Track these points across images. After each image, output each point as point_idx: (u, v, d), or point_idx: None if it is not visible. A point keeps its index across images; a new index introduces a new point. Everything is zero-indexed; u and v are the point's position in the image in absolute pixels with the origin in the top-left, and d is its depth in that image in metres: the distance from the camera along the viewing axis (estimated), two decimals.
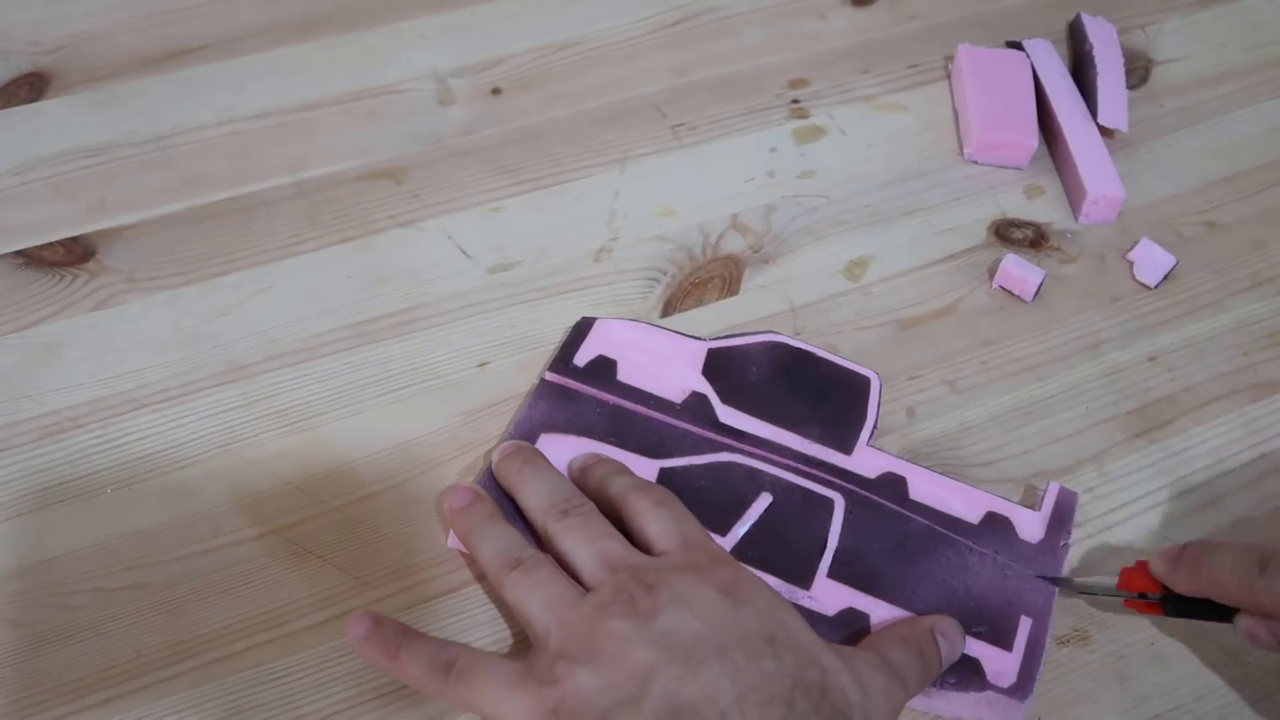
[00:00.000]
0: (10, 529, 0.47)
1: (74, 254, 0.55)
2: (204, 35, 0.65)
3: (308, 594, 0.46)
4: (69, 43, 0.64)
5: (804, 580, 0.46)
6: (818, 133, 0.63)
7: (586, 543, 0.43)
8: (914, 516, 0.48)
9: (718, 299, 0.56)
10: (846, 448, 0.50)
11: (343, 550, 0.47)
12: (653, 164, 0.61)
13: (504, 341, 0.54)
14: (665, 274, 0.57)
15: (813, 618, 0.45)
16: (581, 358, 0.51)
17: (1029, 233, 0.60)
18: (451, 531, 0.47)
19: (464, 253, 0.57)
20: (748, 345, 0.52)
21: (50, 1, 0.66)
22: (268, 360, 0.52)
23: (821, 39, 0.68)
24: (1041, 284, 0.57)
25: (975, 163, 0.63)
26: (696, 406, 0.50)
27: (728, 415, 0.50)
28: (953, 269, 0.58)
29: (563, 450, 0.48)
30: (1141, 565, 0.45)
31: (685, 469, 0.48)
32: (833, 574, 0.46)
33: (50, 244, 0.56)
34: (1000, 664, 0.44)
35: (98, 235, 0.56)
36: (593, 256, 0.57)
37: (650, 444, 0.49)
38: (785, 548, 0.46)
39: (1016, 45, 0.67)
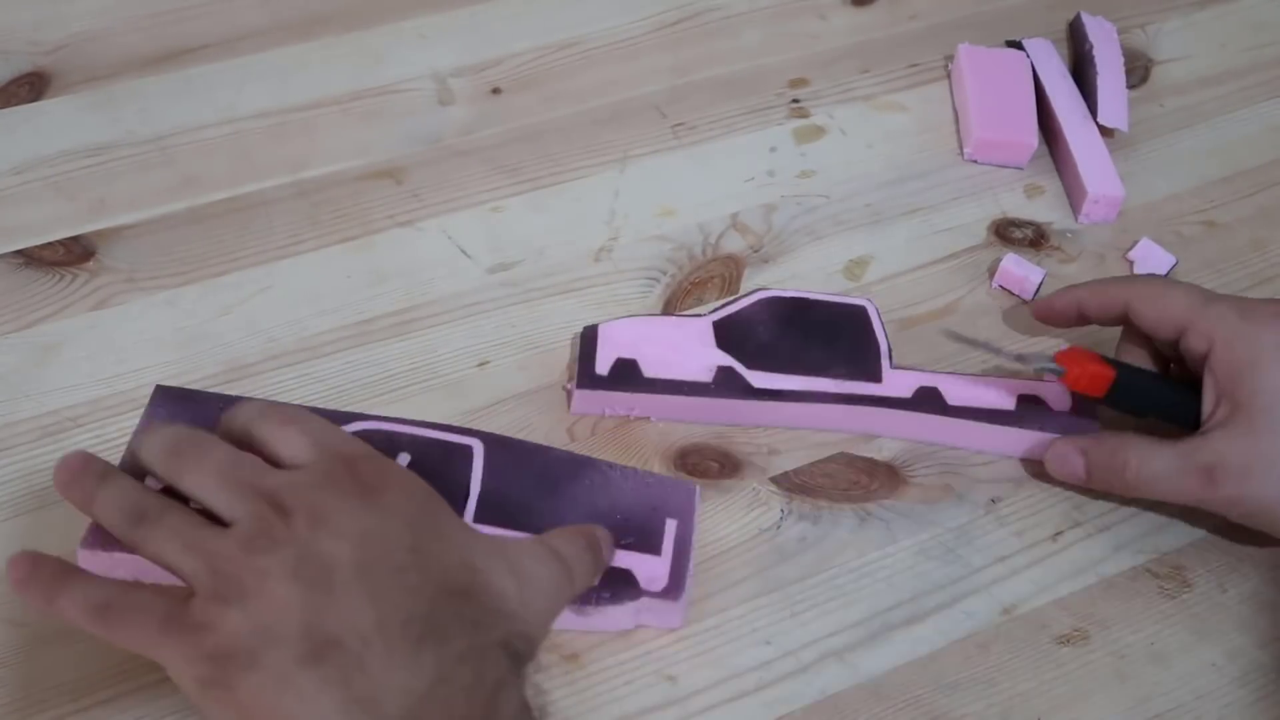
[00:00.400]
0: (10, 529, 0.47)
1: (74, 254, 0.55)
2: (204, 35, 0.65)
3: None
4: (69, 43, 0.64)
5: None
6: (818, 132, 0.63)
7: (212, 474, 0.39)
8: (552, 447, 0.49)
9: (718, 298, 0.56)
10: (875, 376, 0.51)
11: None
12: (652, 164, 0.61)
13: (503, 341, 0.54)
14: (665, 274, 0.57)
15: None
16: (602, 365, 0.51)
17: (1029, 232, 0.60)
18: (80, 546, 0.43)
19: (464, 252, 0.57)
20: (745, 308, 0.53)
21: (50, 1, 0.66)
22: (268, 360, 0.52)
23: (821, 39, 0.68)
24: (1041, 283, 0.57)
25: (975, 162, 0.62)
26: (728, 379, 0.51)
27: (760, 379, 0.51)
28: (952, 268, 0.58)
29: None
30: (1076, 350, 0.48)
31: None
32: (479, 518, 0.46)
33: (50, 244, 0.56)
34: (651, 569, 0.45)
35: (97, 235, 0.56)
36: (593, 256, 0.57)
37: None
38: None
39: (1016, 45, 0.67)
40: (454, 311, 0.55)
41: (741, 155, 0.62)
